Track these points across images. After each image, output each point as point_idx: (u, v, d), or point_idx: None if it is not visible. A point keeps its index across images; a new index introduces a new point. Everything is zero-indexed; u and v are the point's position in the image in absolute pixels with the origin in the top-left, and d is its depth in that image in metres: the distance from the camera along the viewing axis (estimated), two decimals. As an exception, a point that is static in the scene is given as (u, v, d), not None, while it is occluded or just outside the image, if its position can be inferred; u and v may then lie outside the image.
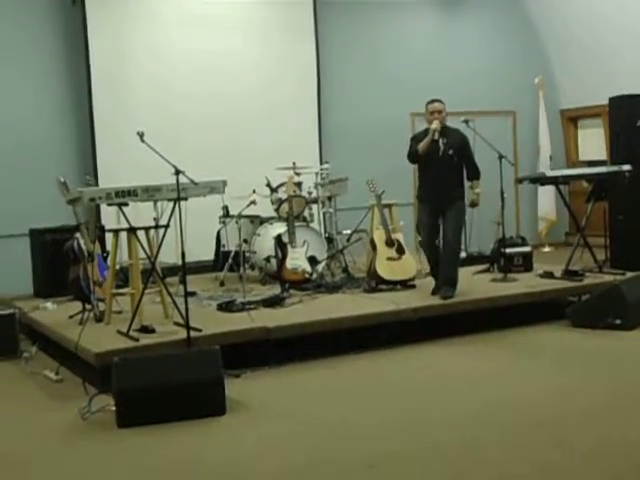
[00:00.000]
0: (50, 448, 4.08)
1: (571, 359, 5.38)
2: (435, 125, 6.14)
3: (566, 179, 7.91)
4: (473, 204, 6.47)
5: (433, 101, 6.33)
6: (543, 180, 7.63)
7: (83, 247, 6.10)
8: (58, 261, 6.44)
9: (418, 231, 6.75)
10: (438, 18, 10.27)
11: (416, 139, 6.32)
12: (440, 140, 6.19)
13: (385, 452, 3.80)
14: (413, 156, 6.24)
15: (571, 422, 4.08)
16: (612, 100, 8.52)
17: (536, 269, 7.34)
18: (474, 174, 6.42)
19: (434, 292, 6.37)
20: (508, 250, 7.26)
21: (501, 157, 6.87)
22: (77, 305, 6.15)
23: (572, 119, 10.98)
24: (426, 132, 6.27)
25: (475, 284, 6.81)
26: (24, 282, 7.17)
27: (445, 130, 6.27)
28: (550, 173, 7.77)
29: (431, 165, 6.22)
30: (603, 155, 10.14)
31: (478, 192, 6.43)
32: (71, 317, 6.06)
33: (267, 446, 3.97)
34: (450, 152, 6.23)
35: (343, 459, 3.74)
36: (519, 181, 8.04)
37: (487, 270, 7.49)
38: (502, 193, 6.94)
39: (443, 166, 6.22)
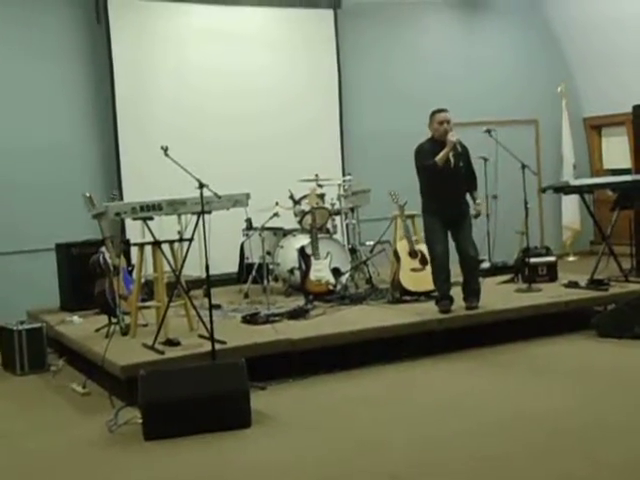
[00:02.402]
0: (77, 461, 4.11)
1: (597, 370, 5.33)
2: (455, 138, 6.01)
3: (590, 188, 7.86)
4: (478, 215, 6.32)
5: (441, 111, 6.15)
6: (567, 189, 7.59)
7: (108, 261, 6.16)
8: (84, 275, 6.49)
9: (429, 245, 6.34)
10: (459, 29, 10.26)
11: (425, 151, 6.14)
12: (450, 152, 6.07)
13: (409, 464, 3.79)
14: (432, 169, 6.04)
15: (598, 435, 4.05)
16: (636, 108, 8.46)
17: (561, 279, 7.27)
18: (475, 185, 6.38)
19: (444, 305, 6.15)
20: (532, 260, 7.21)
21: (524, 166, 6.86)
22: (103, 319, 6.20)
23: (596, 127, 10.91)
24: (431, 142, 6.17)
25: (499, 294, 6.78)
26: (51, 296, 7.23)
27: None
28: (574, 182, 7.72)
29: (445, 177, 6.05)
30: (628, 163, 10.05)
31: (480, 202, 6.37)
32: (97, 330, 6.11)
33: (292, 458, 3.98)
34: (461, 164, 6.18)
35: (367, 471, 3.73)
36: (543, 190, 8.01)
37: (511, 280, 7.44)
38: (526, 203, 6.90)
39: (455, 178, 6.14)
